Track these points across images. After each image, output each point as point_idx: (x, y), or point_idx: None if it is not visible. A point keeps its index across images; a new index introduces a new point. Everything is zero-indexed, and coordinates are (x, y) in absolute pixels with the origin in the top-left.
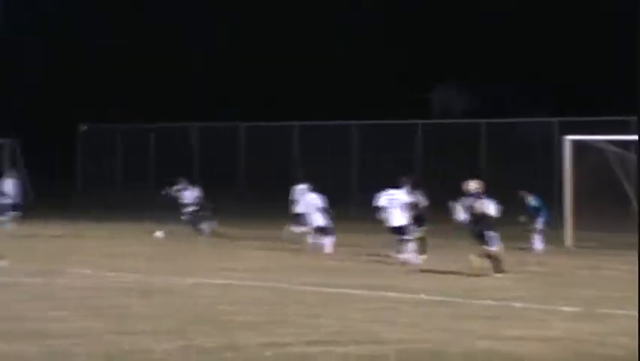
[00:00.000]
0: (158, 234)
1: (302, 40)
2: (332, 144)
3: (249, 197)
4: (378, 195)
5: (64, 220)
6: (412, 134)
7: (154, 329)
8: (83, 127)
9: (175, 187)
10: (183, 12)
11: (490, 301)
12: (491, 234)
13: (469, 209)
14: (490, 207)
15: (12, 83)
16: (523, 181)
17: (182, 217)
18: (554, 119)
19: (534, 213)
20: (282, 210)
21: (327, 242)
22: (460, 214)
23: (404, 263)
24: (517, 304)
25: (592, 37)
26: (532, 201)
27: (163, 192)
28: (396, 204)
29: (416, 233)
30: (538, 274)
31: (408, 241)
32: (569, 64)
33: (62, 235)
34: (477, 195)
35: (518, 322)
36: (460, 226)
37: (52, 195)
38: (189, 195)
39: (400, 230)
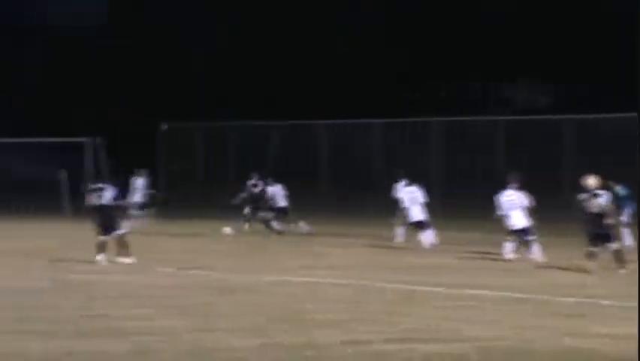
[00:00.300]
0: (227, 230)
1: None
2: (411, 141)
3: (330, 195)
4: (497, 198)
5: (147, 219)
6: (492, 131)
7: (235, 326)
8: (164, 126)
9: (250, 182)
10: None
11: (575, 299)
12: (610, 231)
13: (586, 206)
14: (605, 203)
15: (96, 83)
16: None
17: (259, 214)
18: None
19: (622, 204)
20: (364, 209)
21: (427, 236)
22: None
23: (533, 261)
24: (604, 302)
25: None
26: (620, 190)
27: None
28: (516, 205)
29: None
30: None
31: (532, 241)
32: None
33: (147, 233)
34: (595, 193)
35: (604, 319)
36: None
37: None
38: (270, 191)
39: (523, 232)
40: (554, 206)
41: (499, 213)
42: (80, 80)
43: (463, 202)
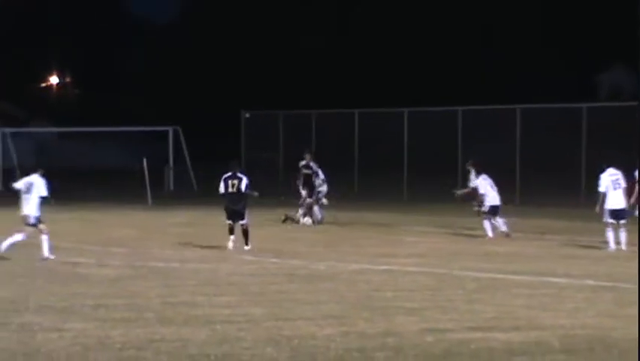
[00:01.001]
0: (307, 221)
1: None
2: (494, 127)
3: (411, 183)
4: (600, 177)
5: None
6: (577, 117)
7: (316, 314)
8: (246, 114)
9: (302, 163)
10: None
11: None
12: None
13: None
14: None
15: (176, 72)
16: None
17: (321, 201)
18: None
19: None
20: (445, 195)
21: (501, 223)
22: None
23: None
24: None
25: None
26: None
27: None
28: (619, 185)
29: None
30: None
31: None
32: None
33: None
34: None
35: None
36: None
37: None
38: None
39: (621, 213)
40: None
41: (600, 190)
42: (173, 69)
43: (539, 190)
